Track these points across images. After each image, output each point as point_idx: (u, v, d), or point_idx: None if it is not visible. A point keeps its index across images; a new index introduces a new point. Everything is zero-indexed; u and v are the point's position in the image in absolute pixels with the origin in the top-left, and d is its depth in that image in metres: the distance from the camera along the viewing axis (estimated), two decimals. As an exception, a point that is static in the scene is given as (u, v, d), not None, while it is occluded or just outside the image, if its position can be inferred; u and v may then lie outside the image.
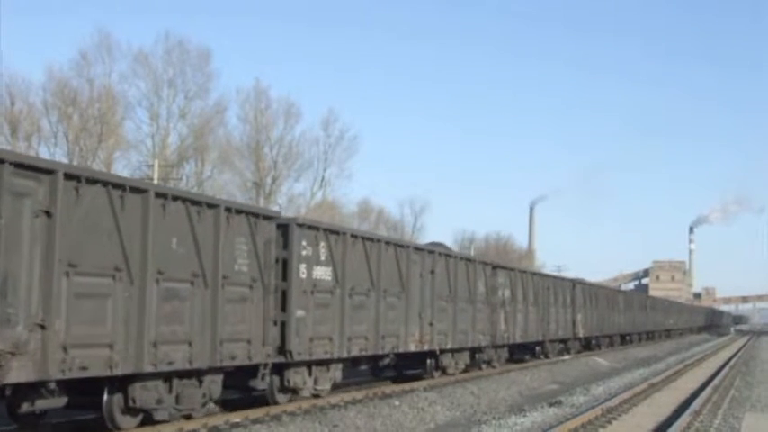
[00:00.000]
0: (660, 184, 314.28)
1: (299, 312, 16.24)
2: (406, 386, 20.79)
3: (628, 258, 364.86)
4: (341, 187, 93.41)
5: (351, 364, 19.60)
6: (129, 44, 70.04)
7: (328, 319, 17.15)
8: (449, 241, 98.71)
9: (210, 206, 14.02)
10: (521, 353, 31.46)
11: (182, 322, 13.25)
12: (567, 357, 35.40)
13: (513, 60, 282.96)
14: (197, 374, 14.12)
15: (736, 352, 47.84)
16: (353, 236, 18.08)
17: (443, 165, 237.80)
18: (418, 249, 21.28)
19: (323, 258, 16.92)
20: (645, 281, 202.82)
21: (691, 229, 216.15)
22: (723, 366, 32.99)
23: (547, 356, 32.89)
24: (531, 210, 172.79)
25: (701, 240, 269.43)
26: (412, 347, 20.56)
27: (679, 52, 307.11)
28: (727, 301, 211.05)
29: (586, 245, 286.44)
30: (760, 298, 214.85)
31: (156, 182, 46.23)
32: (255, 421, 14.75)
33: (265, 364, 15.56)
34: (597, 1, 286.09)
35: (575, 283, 38.21)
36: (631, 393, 21.39)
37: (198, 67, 60.96)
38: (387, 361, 20.32)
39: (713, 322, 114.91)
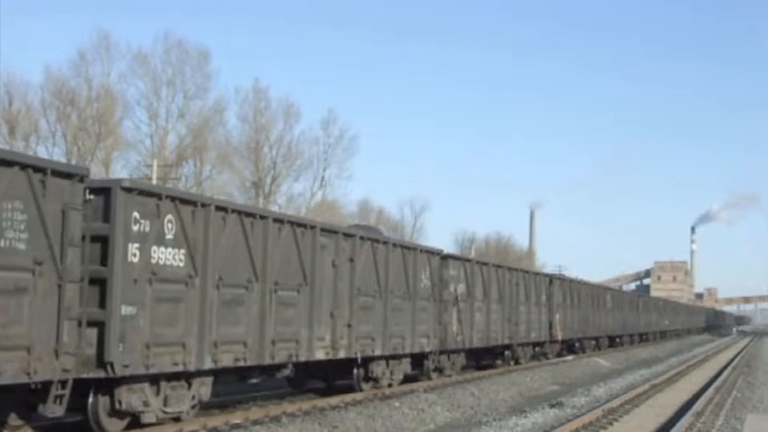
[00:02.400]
0: (661, 184, 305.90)
1: (127, 309, 10.95)
2: (406, 387, 18.81)
3: (629, 259, 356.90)
4: (341, 187, 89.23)
5: (237, 377, 14.12)
6: (128, 44, 66.07)
7: (179, 318, 11.82)
8: (449, 242, 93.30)
9: (-55, 152, 8.74)
10: (488, 358, 25.53)
11: None
12: (569, 358, 32.04)
13: (513, 60, 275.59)
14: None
15: (738, 353, 44.99)
16: (221, 209, 12.61)
17: (443, 165, 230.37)
18: (330, 231, 15.54)
19: (170, 237, 11.62)
20: (646, 281, 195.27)
21: (693, 230, 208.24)
22: (725, 367, 30.75)
23: (518, 362, 26.98)
24: (532, 210, 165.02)
25: (703, 241, 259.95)
26: (320, 355, 15.03)
27: (680, 50, 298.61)
28: (729, 301, 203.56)
29: (588, 245, 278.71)
30: (762, 299, 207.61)
31: (155, 182, 41.98)
32: (255, 422, 13.52)
33: (62, 382, 10.19)
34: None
35: (552, 278, 31.62)
36: (633, 394, 19.99)
37: (197, 66, 57.76)
38: (286, 372, 14.78)
39: (715, 323, 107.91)
